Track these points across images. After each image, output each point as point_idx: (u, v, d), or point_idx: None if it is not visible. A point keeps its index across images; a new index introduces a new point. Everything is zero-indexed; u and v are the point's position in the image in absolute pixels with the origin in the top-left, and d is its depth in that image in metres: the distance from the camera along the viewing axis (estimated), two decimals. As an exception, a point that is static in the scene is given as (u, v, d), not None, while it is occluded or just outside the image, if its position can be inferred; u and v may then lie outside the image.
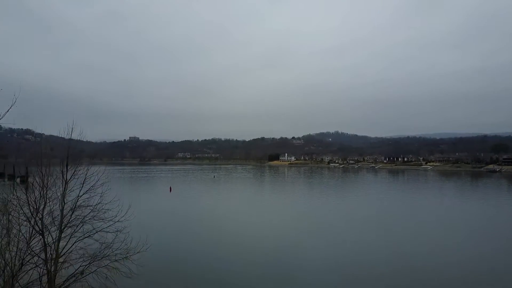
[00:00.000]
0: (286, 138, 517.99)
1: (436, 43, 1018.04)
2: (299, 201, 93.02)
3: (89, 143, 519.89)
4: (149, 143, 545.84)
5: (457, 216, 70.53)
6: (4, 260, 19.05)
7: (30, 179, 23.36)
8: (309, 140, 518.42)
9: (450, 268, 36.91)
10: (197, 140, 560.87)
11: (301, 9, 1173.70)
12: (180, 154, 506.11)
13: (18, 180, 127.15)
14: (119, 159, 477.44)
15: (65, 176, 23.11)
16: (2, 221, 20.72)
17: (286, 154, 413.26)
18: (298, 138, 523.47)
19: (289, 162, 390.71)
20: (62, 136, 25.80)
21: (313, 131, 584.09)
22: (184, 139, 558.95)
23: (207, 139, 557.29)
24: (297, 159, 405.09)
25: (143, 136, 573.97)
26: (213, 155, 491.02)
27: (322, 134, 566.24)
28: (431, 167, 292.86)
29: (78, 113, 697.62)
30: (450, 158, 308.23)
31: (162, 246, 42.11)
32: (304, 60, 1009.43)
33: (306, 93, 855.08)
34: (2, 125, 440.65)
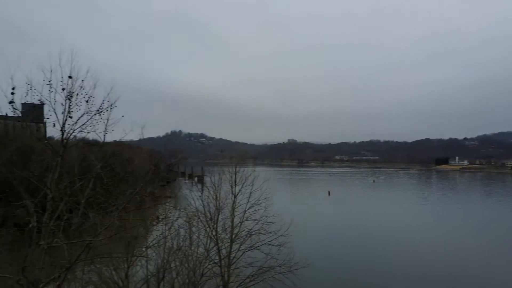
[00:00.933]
0: (456, 139, 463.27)
1: None
2: (476, 214, 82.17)
3: (252, 145, 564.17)
4: (306, 145, 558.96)
5: None
6: (188, 265, 21.92)
7: (205, 192, 26.39)
8: (485, 141, 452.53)
9: None
10: (354, 142, 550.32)
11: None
12: (337, 157, 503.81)
13: (196, 179, 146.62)
14: (278, 160, 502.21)
15: (233, 191, 25.49)
16: (186, 230, 23.83)
17: (456, 158, 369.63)
18: (471, 139, 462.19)
19: (460, 167, 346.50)
20: (230, 140, 28.60)
21: (490, 130, 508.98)
22: (341, 141, 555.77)
23: (364, 140, 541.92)
24: (470, 163, 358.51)
25: (301, 138, 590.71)
26: (371, 158, 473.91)
27: (502, 134, 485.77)
28: None
29: (241, 119, 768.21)
30: None
31: (325, 259, 42.08)
32: (475, 51, 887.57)
33: (478, 88, 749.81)
34: (183, 131, 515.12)
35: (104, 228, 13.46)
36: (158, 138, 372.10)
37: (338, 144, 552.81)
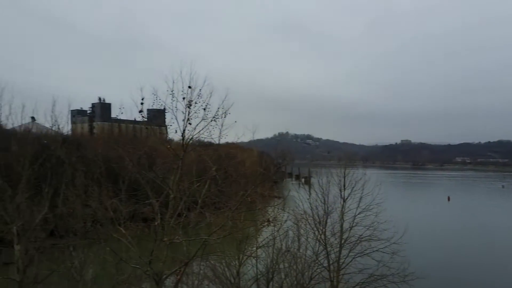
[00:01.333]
0: None
1: None
2: None
3: (361, 146, 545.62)
4: (422, 146, 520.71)
5: None
6: (297, 267, 22.05)
7: (313, 195, 26.22)
8: None
9: None
10: (479, 142, 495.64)
11: None
12: (458, 159, 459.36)
13: (303, 180, 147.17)
14: (390, 162, 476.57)
15: (342, 194, 24.89)
16: (295, 232, 23.99)
17: None
18: None
19: None
20: (337, 140, 27.91)
21: None
22: (462, 141, 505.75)
23: (491, 141, 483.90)
24: None
25: (416, 139, 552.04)
26: (499, 161, 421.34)
27: None
28: None
29: (349, 119, 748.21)
30: None
31: (443, 271, 38.68)
32: None
33: None
34: (289, 132, 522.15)
35: (218, 227, 14.28)
36: (266, 139, 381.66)
37: (459, 144, 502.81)
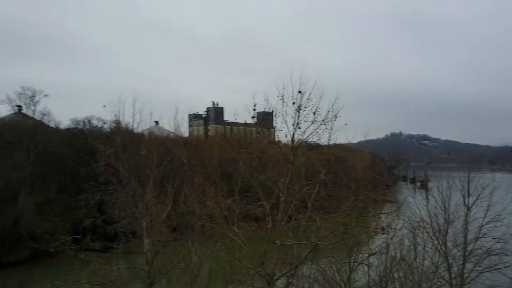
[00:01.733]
0: None
1: None
2: None
3: (487, 147, 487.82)
4: None
5: None
6: (413, 277, 20.65)
7: (431, 201, 24.29)
8: None
9: None
10: None
11: None
12: None
13: (418, 184, 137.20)
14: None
15: (466, 202, 22.56)
16: (411, 240, 22.50)
17: None
18: None
19: None
20: (458, 141, 25.46)
21: None
22: None
23: None
24: None
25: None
26: None
27: None
28: None
29: (471, 117, 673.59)
30: None
31: None
32: None
33: None
34: (403, 132, 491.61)
35: (328, 232, 14.09)
36: (378, 140, 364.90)
37: None
